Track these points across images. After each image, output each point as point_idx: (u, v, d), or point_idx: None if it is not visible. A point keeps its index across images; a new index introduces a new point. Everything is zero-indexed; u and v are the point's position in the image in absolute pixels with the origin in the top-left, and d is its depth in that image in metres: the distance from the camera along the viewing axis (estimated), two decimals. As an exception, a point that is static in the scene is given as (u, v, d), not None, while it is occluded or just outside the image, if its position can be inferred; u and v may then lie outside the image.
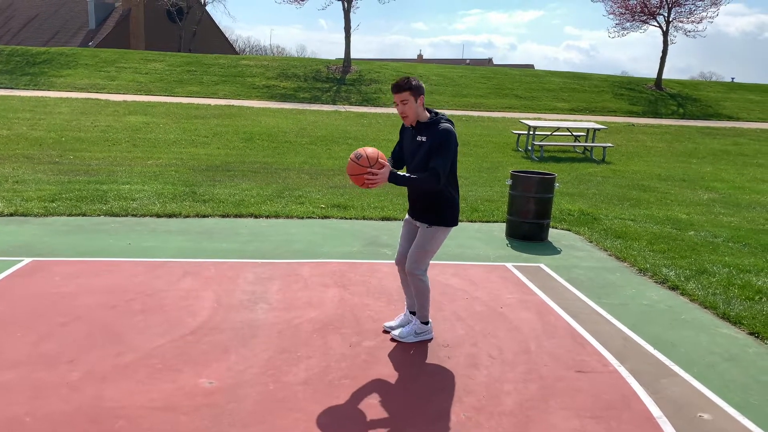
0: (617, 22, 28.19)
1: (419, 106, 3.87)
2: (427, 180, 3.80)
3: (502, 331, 4.53)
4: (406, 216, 4.27)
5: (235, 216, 7.62)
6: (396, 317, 4.57)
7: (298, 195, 8.92)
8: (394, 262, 4.40)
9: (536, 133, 15.25)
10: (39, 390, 3.43)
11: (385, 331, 4.41)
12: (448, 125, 3.88)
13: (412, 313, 4.41)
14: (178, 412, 3.28)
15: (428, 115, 3.93)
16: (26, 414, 3.20)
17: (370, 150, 3.79)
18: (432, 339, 4.32)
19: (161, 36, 37.91)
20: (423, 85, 3.92)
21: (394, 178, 3.78)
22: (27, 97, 18.18)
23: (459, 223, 4.11)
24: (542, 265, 6.21)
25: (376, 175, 3.70)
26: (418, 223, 4.11)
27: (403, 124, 4.14)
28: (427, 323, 4.29)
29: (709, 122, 22.26)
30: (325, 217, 7.80)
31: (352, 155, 3.79)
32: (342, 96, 22.24)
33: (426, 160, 3.86)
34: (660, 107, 24.09)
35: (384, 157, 3.83)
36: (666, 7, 26.42)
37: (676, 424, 3.39)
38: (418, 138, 3.92)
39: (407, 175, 3.84)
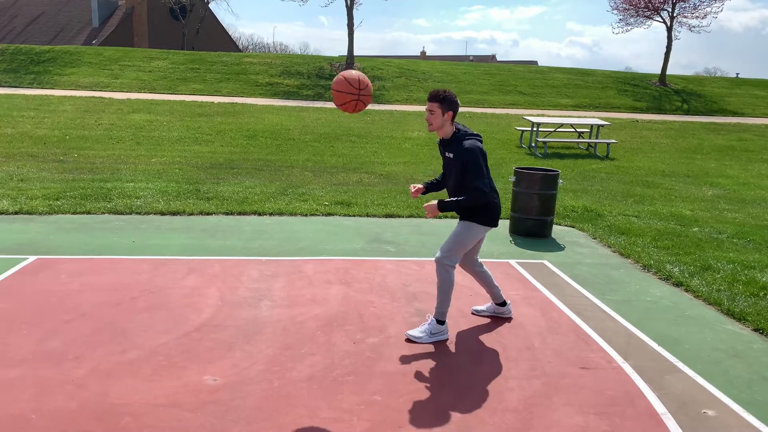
0: (621, 17, 28.10)
1: (446, 120, 4.04)
2: (473, 199, 4.01)
3: (506, 328, 4.53)
4: None
5: (239, 213, 7.64)
6: (485, 303, 4.79)
7: (302, 192, 8.92)
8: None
9: (540, 129, 15.22)
10: (44, 387, 3.45)
11: (473, 313, 4.70)
12: (471, 141, 4.02)
13: (500, 304, 4.60)
14: (183, 408, 3.30)
15: (453, 130, 4.08)
16: (32, 411, 3.22)
17: (353, 73, 3.70)
18: (447, 339, 4.30)
19: (164, 34, 37.95)
20: (458, 101, 4.06)
21: (443, 206, 4.02)
22: (31, 96, 18.22)
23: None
24: (546, 262, 6.20)
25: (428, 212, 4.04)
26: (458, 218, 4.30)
27: (439, 144, 4.31)
28: (443, 323, 4.26)
29: (713, 118, 22.17)
30: (329, 214, 7.81)
31: (340, 85, 3.68)
32: (345, 93, 22.18)
33: (458, 175, 4.07)
34: (664, 103, 24.00)
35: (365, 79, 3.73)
36: (670, 2, 26.30)
37: (681, 421, 3.39)
38: (447, 154, 4.13)
39: (454, 199, 4.05)
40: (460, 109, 18.67)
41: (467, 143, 4.00)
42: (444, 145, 4.15)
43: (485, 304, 4.77)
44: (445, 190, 4.34)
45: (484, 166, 4.00)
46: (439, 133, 4.13)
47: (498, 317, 4.71)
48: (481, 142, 4.08)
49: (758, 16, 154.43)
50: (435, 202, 4.04)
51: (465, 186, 4.03)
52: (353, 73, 3.72)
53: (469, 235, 4.18)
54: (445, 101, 3.99)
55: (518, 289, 5.36)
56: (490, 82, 24.88)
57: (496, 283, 4.60)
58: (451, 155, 4.07)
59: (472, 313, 4.73)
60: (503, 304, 4.64)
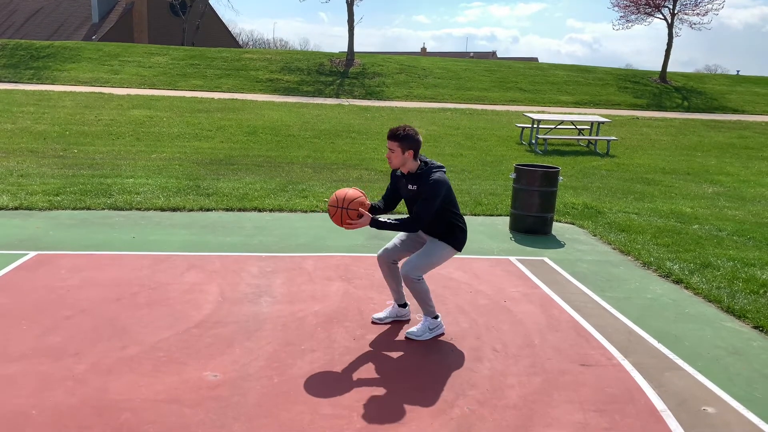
0: (622, 14, 28.06)
1: (407, 158, 3.98)
2: (409, 224, 3.96)
3: (506, 325, 4.53)
4: None
5: (239, 210, 7.63)
6: (384, 309, 4.59)
7: (302, 189, 8.92)
8: (376, 255, 4.39)
9: (540, 126, 15.20)
10: (44, 382, 3.45)
11: (374, 322, 4.44)
12: (437, 175, 3.97)
13: (401, 306, 4.48)
14: (183, 404, 3.30)
15: (417, 164, 4.02)
16: (32, 406, 3.22)
17: (351, 192, 3.91)
18: (444, 333, 4.31)
19: (164, 30, 37.90)
20: (418, 138, 3.98)
21: (376, 225, 3.91)
22: (31, 91, 18.19)
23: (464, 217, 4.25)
24: (546, 259, 6.20)
25: (353, 223, 3.86)
26: (428, 237, 4.20)
27: (393, 172, 4.24)
28: (436, 317, 4.29)
29: (714, 115, 22.16)
30: (329, 210, 7.80)
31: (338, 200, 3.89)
32: (345, 89, 22.20)
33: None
34: (664, 100, 23.98)
35: (365, 201, 3.91)
36: (671, -1, 26.27)
37: (681, 418, 3.39)
38: (410, 186, 4.06)
39: (387, 220, 3.96)
40: (461, 106, 18.33)
41: (435, 176, 3.94)
42: (407, 178, 4.05)
43: (385, 310, 4.54)
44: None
45: (439, 201, 3.93)
46: (403, 169, 4.05)
47: (492, 314, 4.71)
48: (444, 173, 4.05)
49: (758, 14, 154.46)
50: (368, 219, 3.87)
51: (437, 215, 3.98)
52: (348, 191, 3.94)
53: (439, 255, 4.13)
54: (404, 140, 3.91)
55: (518, 286, 5.36)
56: (490, 78, 24.85)
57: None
58: (416, 187, 3.99)
59: (372, 323, 4.44)
60: (405, 305, 4.51)
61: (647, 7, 26.87)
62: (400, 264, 4.25)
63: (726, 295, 5.32)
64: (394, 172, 4.23)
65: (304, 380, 3.60)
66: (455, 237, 4.13)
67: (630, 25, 28.84)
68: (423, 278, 4.10)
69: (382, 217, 4.02)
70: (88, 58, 23.28)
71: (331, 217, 3.94)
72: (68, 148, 11.75)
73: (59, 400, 3.29)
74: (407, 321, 4.51)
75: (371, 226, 3.91)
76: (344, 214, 3.86)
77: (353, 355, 3.95)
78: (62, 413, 3.17)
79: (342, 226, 3.93)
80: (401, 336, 4.25)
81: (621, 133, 17.29)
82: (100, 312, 4.42)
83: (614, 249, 6.73)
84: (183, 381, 3.53)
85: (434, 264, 4.16)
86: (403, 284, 4.37)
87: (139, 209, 7.43)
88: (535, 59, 52.45)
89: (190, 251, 5.91)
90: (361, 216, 3.86)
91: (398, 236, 4.35)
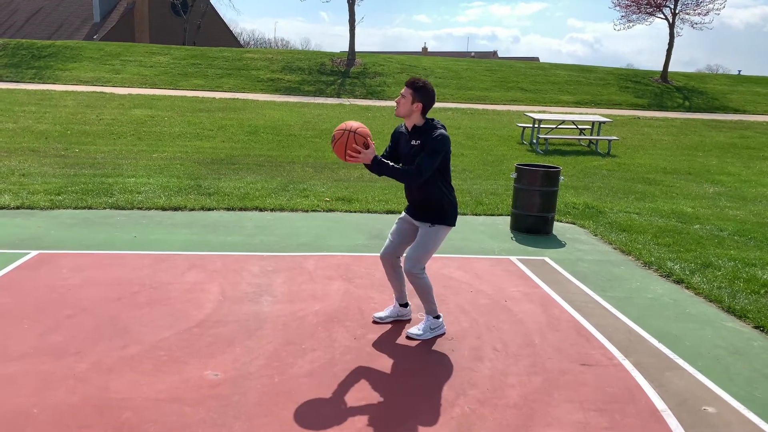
0: (623, 14, 28.07)
1: (414, 110, 3.91)
2: (409, 174, 3.86)
3: (507, 324, 4.54)
4: (403, 213, 4.29)
5: (240, 209, 7.64)
6: (385, 308, 4.58)
7: (303, 188, 8.92)
8: (378, 255, 4.36)
9: (541, 126, 15.20)
10: (46, 381, 3.46)
11: (374, 322, 4.44)
12: (442, 131, 3.92)
13: (403, 305, 4.46)
14: (184, 403, 3.30)
15: (424, 121, 3.97)
16: (33, 405, 3.23)
17: (356, 124, 3.83)
18: (445, 333, 4.32)
19: (166, 29, 37.91)
20: (433, 97, 3.92)
21: (377, 163, 3.80)
22: (32, 91, 18.21)
23: (464, 216, 4.19)
24: (547, 259, 6.20)
25: (359, 153, 3.74)
26: (418, 223, 4.14)
27: (395, 129, 4.20)
28: (438, 317, 4.30)
29: (715, 115, 22.14)
30: (330, 210, 7.81)
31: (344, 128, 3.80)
32: (346, 89, 22.20)
33: None
34: (666, 100, 23.96)
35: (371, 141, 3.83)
36: (672, -1, 26.26)
37: (681, 417, 3.39)
38: (413, 142, 3.97)
39: (389, 163, 3.87)
40: (462, 106, 18.32)
41: (438, 132, 3.88)
42: (411, 133, 3.99)
43: (386, 309, 4.53)
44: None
45: (442, 157, 3.87)
46: (407, 121, 3.99)
47: (492, 314, 4.72)
48: (446, 131, 3.99)
49: (760, 13, 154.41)
50: (372, 153, 3.76)
51: (427, 184, 3.92)
52: (358, 123, 3.86)
53: (436, 240, 4.09)
54: (419, 91, 3.86)
55: (519, 286, 5.36)
56: (491, 78, 24.85)
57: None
58: (418, 142, 3.93)
59: (373, 322, 4.44)
60: (406, 305, 4.50)
61: (648, 6, 26.87)
62: (402, 260, 4.25)
63: (727, 295, 5.31)
64: (396, 130, 4.17)
65: (304, 379, 3.61)
66: (446, 215, 4.04)
67: (631, 24, 28.91)
68: (426, 275, 4.10)
69: (386, 161, 3.89)
70: (89, 57, 23.30)
71: (335, 144, 3.76)
72: (70, 147, 11.77)
73: (60, 399, 3.30)
74: (408, 320, 4.51)
75: (372, 164, 3.78)
76: (351, 138, 3.72)
77: (354, 354, 3.95)
78: (63, 412, 3.18)
79: (344, 157, 3.76)
80: (402, 335, 4.26)
81: (622, 132, 17.28)
82: (101, 311, 4.42)
83: (615, 249, 6.73)
84: (184, 380, 3.54)
85: (433, 251, 4.12)
86: (405, 284, 4.38)
87: (140, 208, 7.44)
88: (536, 59, 52.41)
89: (191, 251, 5.92)
90: (367, 147, 3.75)
91: (390, 232, 4.32)
